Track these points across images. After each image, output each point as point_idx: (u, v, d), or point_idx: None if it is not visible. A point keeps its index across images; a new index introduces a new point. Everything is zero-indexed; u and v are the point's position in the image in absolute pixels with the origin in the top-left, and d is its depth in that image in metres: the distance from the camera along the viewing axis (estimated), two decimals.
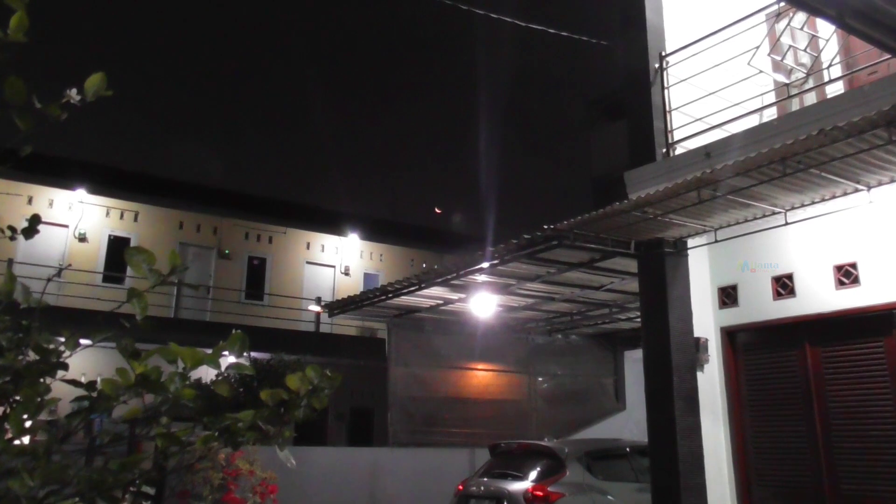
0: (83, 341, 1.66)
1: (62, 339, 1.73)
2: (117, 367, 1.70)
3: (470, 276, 10.06)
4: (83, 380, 1.72)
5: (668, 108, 7.93)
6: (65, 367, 1.67)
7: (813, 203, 6.61)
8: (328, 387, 1.83)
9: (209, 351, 1.78)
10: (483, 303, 11.49)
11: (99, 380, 1.61)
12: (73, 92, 1.60)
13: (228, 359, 4.99)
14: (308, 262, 23.79)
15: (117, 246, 20.35)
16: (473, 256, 9.50)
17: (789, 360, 7.18)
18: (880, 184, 6.21)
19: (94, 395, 1.68)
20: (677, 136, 7.89)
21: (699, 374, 7.44)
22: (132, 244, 20.45)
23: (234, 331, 1.80)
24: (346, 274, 24.30)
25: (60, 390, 1.71)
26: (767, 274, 7.39)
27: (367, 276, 24.70)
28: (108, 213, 20.52)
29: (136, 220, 20.87)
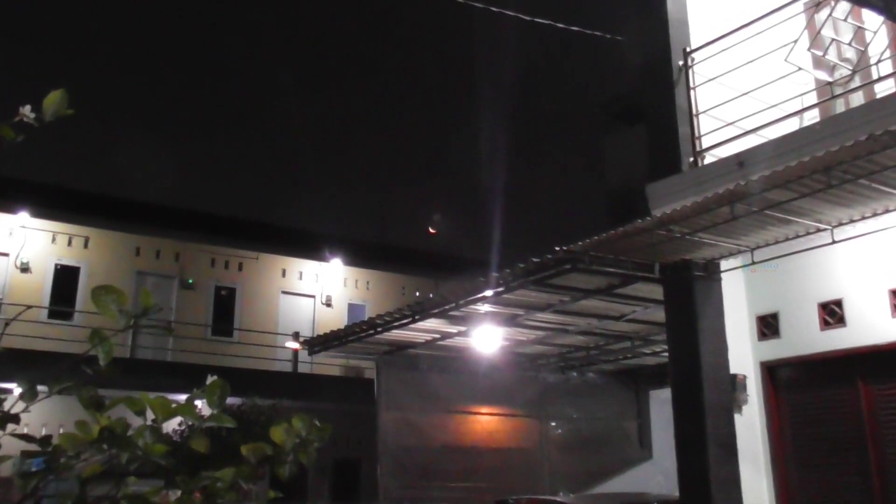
0: (40, 388, 1.66)
1: (12, 388, 1.73)
2: (77, 419, 1.70)
3: (471, 306, 10.05)
4: (32, 432, 1.71)
5: (694, 111, 7.99)
6: (15, 419, 1.67)
7: (863, 218, 6.65)
8: (318, 439, 1.83)
9: (181, 398, 1.78)
10: (486, 336, 11.47)
11: (61, 431, 1.61)
12: (28, 110, 1.61)
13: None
14: (284, 292, 23.77)
15: (65, 276, 20.33)
16: (475, 283, 9.51)
17: (840, 399, 7.18)
18: None
19: (50, 451, 1.68)
20: (706, 142, 7.94)
21: (736, 417, 7.43)
22: (82, 274, 20.43)
23: (210, 376, 1.81)
24: (328, 305, 24.28)
25: (9, 446, 1.71)
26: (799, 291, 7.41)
27: (351, 308, 24.68)
28: (54, 239, 20.52)
29: (86, 246, 20.87)
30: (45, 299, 19.91)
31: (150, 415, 1.74)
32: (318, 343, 12.63)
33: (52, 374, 1.66)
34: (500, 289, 9.19)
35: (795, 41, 7.39)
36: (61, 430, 1.91)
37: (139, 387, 1.83)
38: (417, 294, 24.52)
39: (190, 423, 1.82)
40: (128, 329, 1.63)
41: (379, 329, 11.34)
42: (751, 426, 7.56)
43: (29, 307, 17.83)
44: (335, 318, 23.28)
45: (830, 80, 7.73)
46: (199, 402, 1.76)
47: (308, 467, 1.99)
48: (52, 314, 19.79)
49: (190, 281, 22.03)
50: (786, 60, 7.35)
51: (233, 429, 1.84)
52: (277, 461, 1.76)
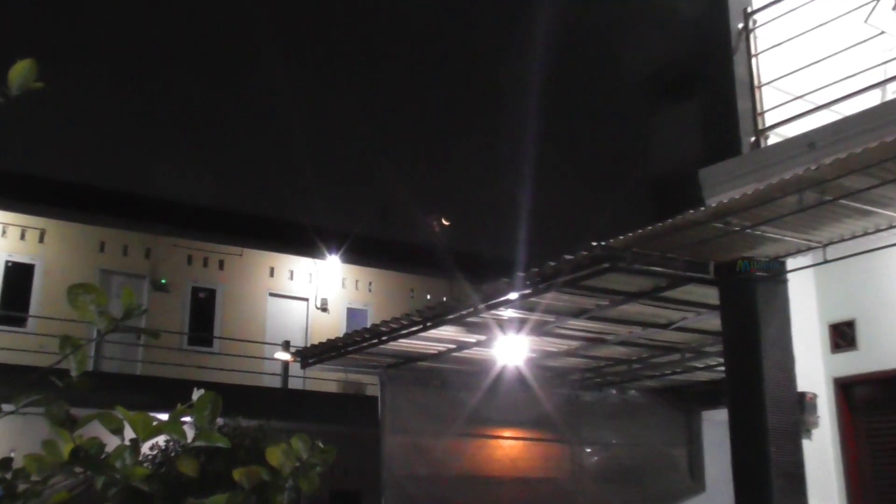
0: (5, 407, 1.69)
1: None
2: (40, 440, 1.73)
3: (493, 312, 10.05)
4: None
5: (756, 83, 7.97)
6: None
7: None
8: (321, 463, 1.86)
9: (163, 416, 1.81)
10: (510, 347, 11.46)
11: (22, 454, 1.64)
12: None
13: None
14: (272, 294, 23.86)
15: (17, 275, 20.47)
16: (497, 285, 9.50)
17: None
18: None
19: (10, 476, 1.71)
20: (770, 119, 7.93)
21: (805, 443, 7.41)
22: (37, 272, 20.58)
23: (197, 389, 1.83)
24: (324, 309, 24.35)
25: None
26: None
27: (351, 313, 24.74)
28: (3, 232, 20.67)
29: (41, 240, 21.01)
30: None
31: (128, 433, 1.76)
32: (313, 354, 12.64)
33: (17, 387, 1.69)
34: (527, 291, 9.17)
35: None
36: (12, 453, 1.94)
37: (105, 404, 1.86)
38: (429, 297, 24.56)
39: (173, 443, 1.84)
40: (110, 332, 1.65)
41: (383, 338, 11.34)
42: (822, 454, 7.55)
43: None
44: (332, 325, 23.36)
45: None
46: (185, 419, 1.78)
47: (308, 495, 2.01)
48: (2, 320, 19.92)
49: (163, 281, 22.12)
50: (866, 22, 7.33)
51: (218, 453, 1.86)
52: (274, 488, 1.79)
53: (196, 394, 1.86)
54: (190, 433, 1.85)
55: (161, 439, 11.44)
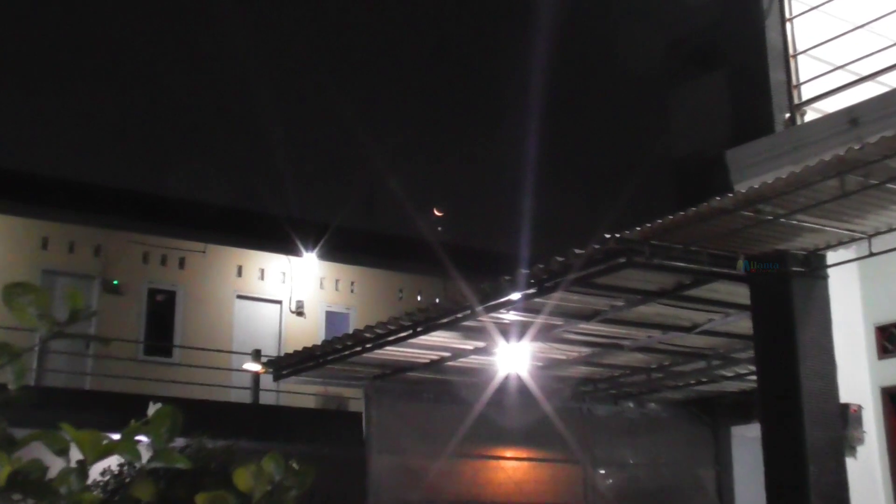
0: None
1: None
2: None
3: (493, 315, 10.07)
4: None
5: (791, 52, 7.98)
6: None
7: None
8: (296, 486, 1.86)
9: (115, 436, 1.81)
10: (513, 355, 11.48)
11: None
12: None
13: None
14: (240, 297, 23.80)
15: None
16: (498, 284, 9.52)
17: None
18: None
19: None
20: (806, 93, 7.94)
21: (848, 461, 7.44)
22: None
23: (152, 403, 1.83)
24: (300, 313, 24.32)
25: None
26: None
27: (331, 317, 24.70)
28: None
29: None
30: None
31: (74, 455, 1.77)
32: (287, 365, 12.66)
33: None
34: (532, 291, 9.20)
35: None
36: None
37: (49, 422, 1.86)
38: (420, 298, 24.53)
39: (127, 465, 1.85)
40: (52, 338, 1.65)
41: (368, 345, 11.36)
42: (868, 473, 7.57)
43: None
44: (309, 331, 23.32)
45: None
46: (140, 438, 1.78)
47: None
48: None
49: (115, 282, 22.08)
50: None
51: (179, 477, 1.86)
52: None
53: (152, 408, 1.86)
54: (146, 454, 1.85)
55: (113, 461, 11.41)
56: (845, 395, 7.54)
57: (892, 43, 7.54)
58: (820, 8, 7.92)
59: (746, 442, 14.77)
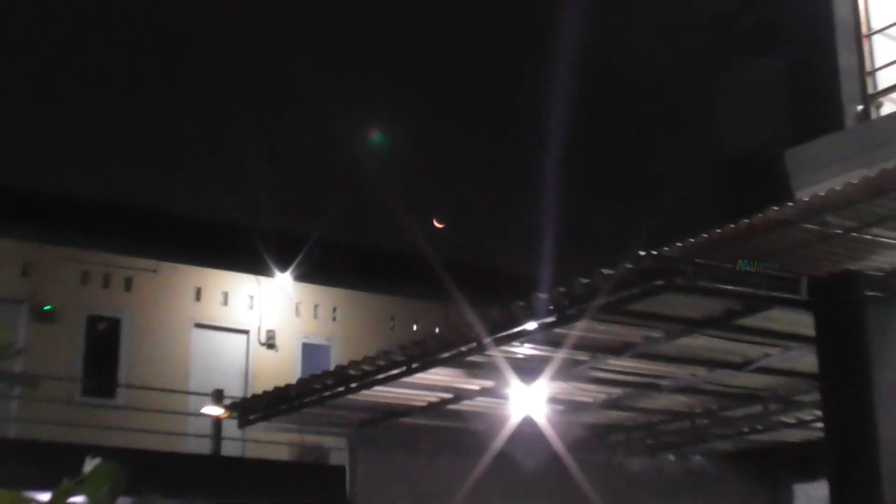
0: None
1: None
2: None
3: (504, 348, 10.06)
4: None
5: (864, 31, 7.99)
6: None
7: None
8: None
9: (41, 497, 1.81)
10: (528, 397, 11.46)
11: None
12: None
13: None
14: (199, 325, 23.85)
15: None
16: (510, 310, 9.50)
17: None
18: None
19: None
20: (882, 80, 7.95)
21: None
22: None
23: (89, 458, 1.83)
24: (270, 346, 24.36)
25: None
26: None
27: (308, 350, 24.75)
28: None
29: None
30: None
31: None
32: (255, 408, 12.65)
33: None
34: (552, 319, 9.18)
35: None
36: None
37: None
38: (416, 328, 24.57)
39: None
40: None
41: (353, 385, 11.35)
42: None
43: None
44: (281, 368, 23.36)
45: None
46: (76, 499, 1.78)
47: None
48: None
49: (47, 308, 22.09)
50: None
51: None
52: None
53: (90, 463, 1.86)
54: None
55: None
56: None
57: None
58: None
59: (812, 503, 14.76)
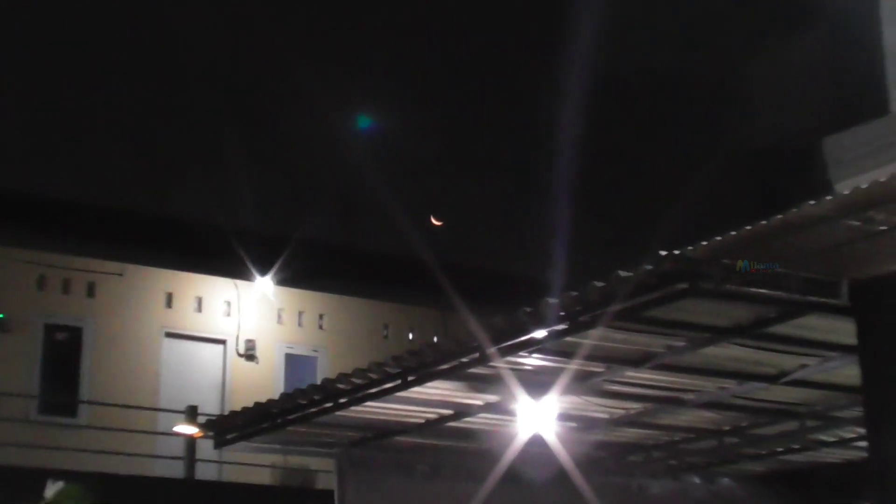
0: None
1: None
2: None
3: (510, 359, 10.06)
4: None
5: None
6: None
7: None
8: None
9: None
10: (537, 413, 11.46)
11: None
12: None
13: None
14: (170, 335, 23.86)
15: None
16: (516, 317, 9.49)
17: None
18: None
19: None
20: None
21: None
22: None
23: (51, 482, 1.81)
24: (250, 357, 24.38)
25: None
26: None
27: (292, 361, 24.78)
28: None
29: None
30: None
31: None
32: (232, 427, 12.67)
33: None
34: (563, 327, 9.18)
35: None
36: None
37: None
38: (412, 337, 24.60)
39: None
40: None
41: (343, 401, 11.37)
42: None
43: None
44: (262, 382, 23.39)
45: None
46: None
47: None
48: None
49: (0, 316, 22.09)
50: None
51: None
52: None
53: (52, 488, 1.84)
54: None
55: None
56: None
57: None
58: None
59: None
